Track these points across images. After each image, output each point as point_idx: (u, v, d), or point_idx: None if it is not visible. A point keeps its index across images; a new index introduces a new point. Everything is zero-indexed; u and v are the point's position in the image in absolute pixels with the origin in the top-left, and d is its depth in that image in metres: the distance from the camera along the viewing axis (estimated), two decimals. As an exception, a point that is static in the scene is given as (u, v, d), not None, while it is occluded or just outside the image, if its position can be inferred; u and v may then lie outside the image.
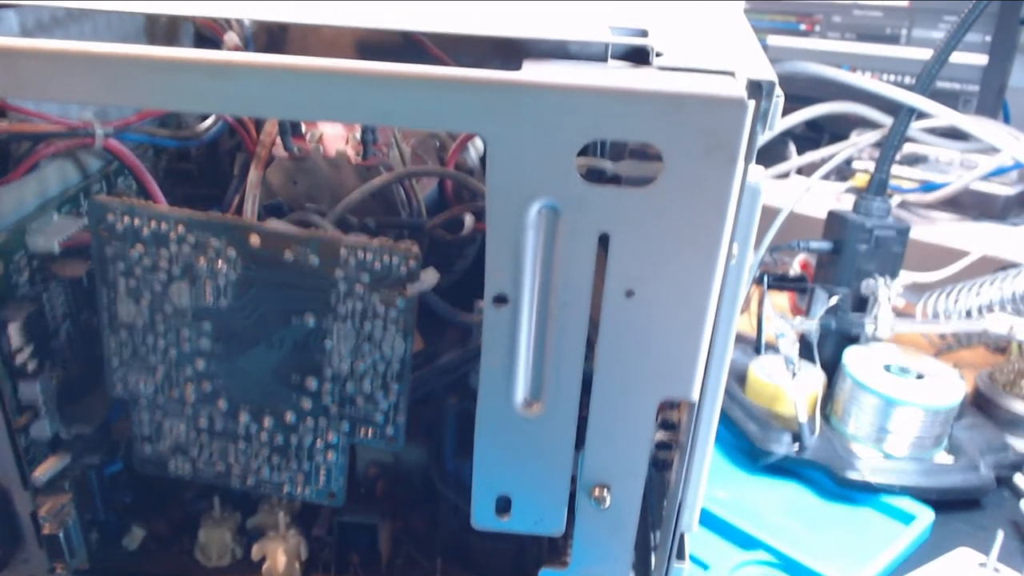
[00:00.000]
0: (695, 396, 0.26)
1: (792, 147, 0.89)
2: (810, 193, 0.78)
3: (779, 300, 0.66)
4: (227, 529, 0.33)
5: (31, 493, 0.30)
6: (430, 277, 0.27)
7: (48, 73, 0.23)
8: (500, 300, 0.25)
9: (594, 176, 0.28)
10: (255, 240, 0.27)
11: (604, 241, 0.25)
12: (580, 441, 0.28)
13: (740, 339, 0.60)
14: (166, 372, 0.29)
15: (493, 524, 0.29)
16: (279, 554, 0.32)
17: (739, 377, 0.54)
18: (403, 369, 0.28)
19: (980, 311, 0.51)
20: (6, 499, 0.30)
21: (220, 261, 0.27)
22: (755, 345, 0.57)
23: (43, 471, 0.29)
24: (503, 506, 0.29)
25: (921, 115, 0.54)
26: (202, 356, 0.29)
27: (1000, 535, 0.39)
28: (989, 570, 0.39)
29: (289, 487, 0.30)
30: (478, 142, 0.44)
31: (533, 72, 0.23)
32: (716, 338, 0.27)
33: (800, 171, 0.84)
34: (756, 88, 0.23)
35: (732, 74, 0.23)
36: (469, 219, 0.35)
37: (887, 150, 0.54)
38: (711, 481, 0.46)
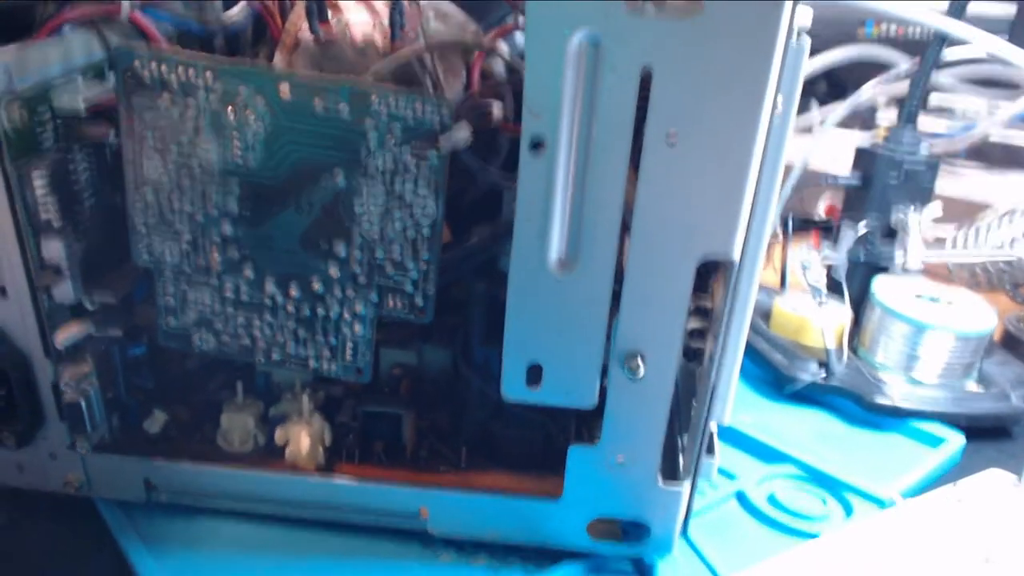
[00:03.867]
0: (736, 255, 0.26)
1: (814, 103, 0.88)
2: (835, 148, 0.77)
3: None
4: (250, 415, 0.33)
5: (52, 362, 0.30)
6: (463, 131, 0.27)
7: None
8: (537, 145, 0.24)
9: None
10: (284, 89, 0.26)
11: (645, 90, 0.24)
12: (613, 307, 0.27)
13: (763, 287, 0.59)
14: (192, 238, 0.28)
15: (523, 395, 0.28)
16: (303, 437, 0.32)
17: (764, 314, 0.53)
18: (434, 234, 0.28)
19: (1012, 243, 0.50)
20: (27, 369, 0.30)
21: (248, 111, 0.27)
22: (779, 286, 0.56)
23: (65, 336, 0.29)
24: (534, 376, 0.28)
25: (951, 43, 0.53)
26: (229, 219, 0.28)
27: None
28: (1023, 489, 0.38)
29: (315, 362, 0.30)
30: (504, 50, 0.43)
31: None
32: (759, 196, 0.26)
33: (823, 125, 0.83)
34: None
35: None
36: (498, 107, 0.35)
37: (917, 81, 0.53)
38: (736, 407, 0.45)
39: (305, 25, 0.34)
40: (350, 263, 0.28)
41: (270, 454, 0.33)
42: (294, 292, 0.29)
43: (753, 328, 0.51)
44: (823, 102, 0.85)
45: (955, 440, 0.43)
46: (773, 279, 0.58)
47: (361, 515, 0.32)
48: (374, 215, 0.27)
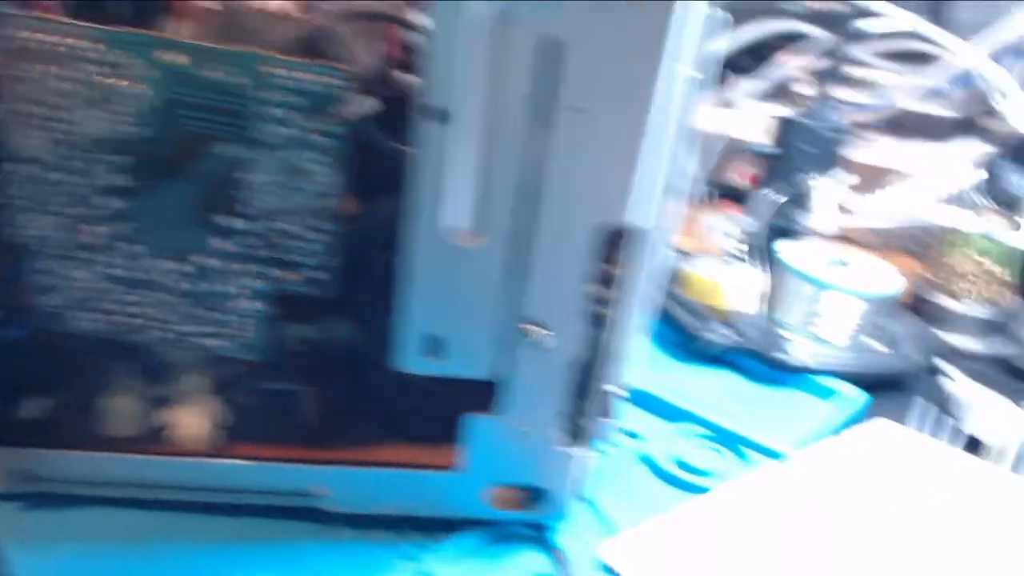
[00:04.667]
0: (637, 221, 0.26)
1: (736, 76, 0.89)
2: (758, 120, 0.79)
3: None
4: (137, 398, 0.32)
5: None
6: (368, 103, 0.27)
7: None
8: (439, 115, 0.24)
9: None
10: (175, 58, 0.26)
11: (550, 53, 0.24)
12: (515, 276, 0.27)
13: (680, 252, 0.60)
14: (74, 213, 0.28)
15: (421, 367, 0.28)
16: (193, 418, 0.31)
17: (678, 279, 0.54)
18: (335, 206, 0.28)
19: (919, 208, 0.52)
20: None
21: (137, 81, 0.26)
22: (696, 251, 0.57)
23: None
24: (433, 348, 0.28)
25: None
26: (114, 194, 0.27)
27: (921, 403, 0.40)
28: (911, 436, 0.40)
29: (209, 340, 0.30)
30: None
31: None
32: (666, 163, 0.26)
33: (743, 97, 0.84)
34: None
35: None
36: (412, 79, 0.34)
37: (833, 53, 0.54)
38: (648, 370, 0.46)
39: (202, -10, 0.33)
40: (246, 237, 0.28)
41: (160, 437, 0.32)
42: (185, 267, 0.28)
43: (667, 292, 0.53)
44: (747, 75, 0.86)
45: (855, 395, 0.45)
46: (691, 244, 0.59)
47: (257, 496, 0.32)
48: (271, 186, 0.27)
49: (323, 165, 0.27)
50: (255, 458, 0.31)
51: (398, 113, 0.35)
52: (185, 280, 0.29)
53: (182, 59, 0.26)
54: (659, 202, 0.29)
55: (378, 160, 0.34)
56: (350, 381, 0.34)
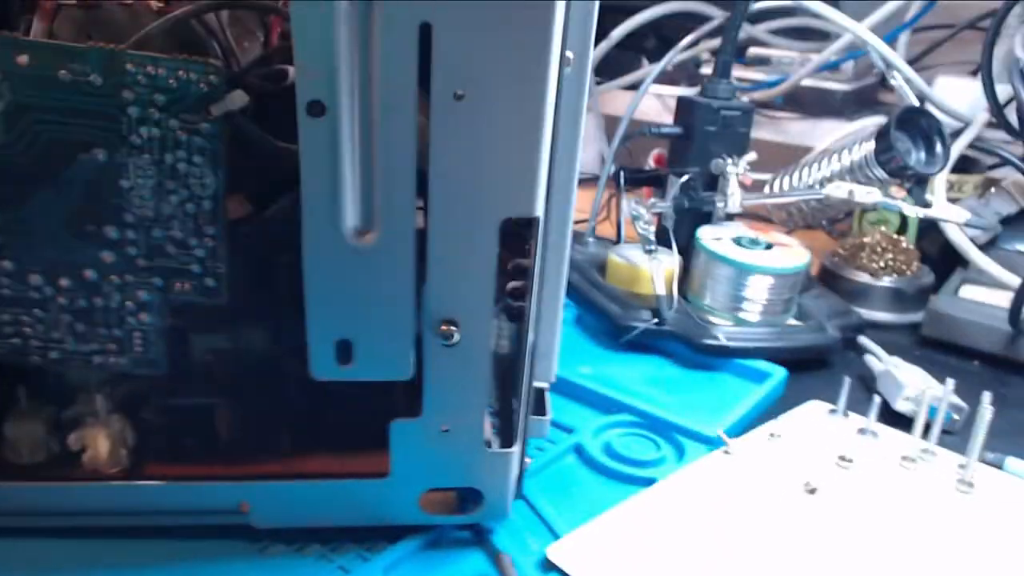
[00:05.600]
0: (538, 211, 0.25)
1: (644, 60, 0.90)
2: (665, 103, 0.79)
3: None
4: (39, 422, 0.29)
5: None
6: (237, 97, 0.24)
7: None
8: (315, 108, 0.23)
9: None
10: (23, 59, 0.23)
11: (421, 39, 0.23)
12: (420, 273, 0.26)
13: (601, 239, 0.60)
14: (-70, 231, 0.25)
15: (334, 373, 0.27)
16: (101, 440, 0.29)
17: (600, 267, 0.54)
18: (216, 208, 0.25)
19: (822, 183, 0.53)
20: None
21: (-21, 86, 0.23)
22: (615, 239, 0.57)
23: None
24: (344, 353, 0.26)
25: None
26: (-24, 207, 0.25)
27: (847, 382, 0.40)
28: (839, 416, 0.41)
29: (100, 357, 0.27)
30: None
31: None
32: (558, 151, 0.25)
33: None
34: None
35: None
36: (293, 71, 0.32)
37: (729, 32, 0.54)
38: (576, 359, 0.45)
39: (67, -13, 0.30)
40: (125, 246, 0.26)
41: (67, 462, 0.30)
42: (64, 282, 0.26)
43: (590, 281, 0.52)
44: (653, 58, 0.87)
45: (778, 374, 0.45)
46: (611, 232, 0.59)
47: (176, 517, 0.30)
48: (145, 191, 0.25)
49: (198, 166, 0.25)
50: (172, 477, 0.29)
51: (281, 108, 0.33)
52: (64, 295, 0.26)
53: (28, 60, 0.23)
54: (562, 190, 0.28)
55: (262, 158, 0.32)
56: (265, 392, 0.32)
